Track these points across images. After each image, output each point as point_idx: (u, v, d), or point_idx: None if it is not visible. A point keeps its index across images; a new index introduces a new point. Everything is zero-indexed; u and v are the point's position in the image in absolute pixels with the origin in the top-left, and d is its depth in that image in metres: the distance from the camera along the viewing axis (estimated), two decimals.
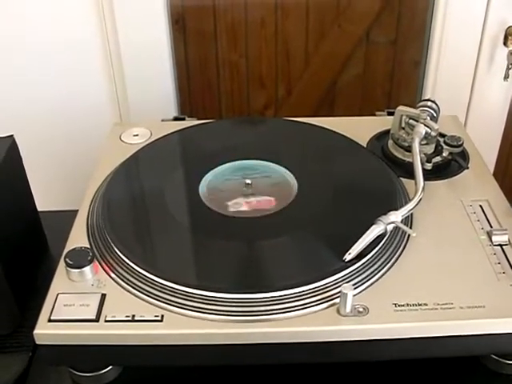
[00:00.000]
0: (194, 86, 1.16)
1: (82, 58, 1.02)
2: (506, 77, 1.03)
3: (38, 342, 0.56)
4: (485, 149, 0.79)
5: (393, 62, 1.15)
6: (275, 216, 0.66)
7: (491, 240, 0.63)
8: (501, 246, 0.63)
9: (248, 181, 0.71)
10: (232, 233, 0.64)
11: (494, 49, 1.02)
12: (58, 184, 1.12)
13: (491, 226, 0.65)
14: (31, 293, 0.70)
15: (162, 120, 0.88)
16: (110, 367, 0.60)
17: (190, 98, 1.17)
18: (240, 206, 0.68)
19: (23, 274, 0.71)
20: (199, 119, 0.87)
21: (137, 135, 0.82)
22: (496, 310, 0.55)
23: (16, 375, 0.63)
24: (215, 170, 0.73)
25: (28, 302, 0.69)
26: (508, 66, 1.02)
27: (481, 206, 0.68)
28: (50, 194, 0.91)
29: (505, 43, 1.01)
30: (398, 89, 1.18)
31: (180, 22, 1.09)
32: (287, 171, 0.73)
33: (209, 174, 0.73)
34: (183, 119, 0.87)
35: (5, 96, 1.06)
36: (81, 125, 1.07)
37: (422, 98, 1.08)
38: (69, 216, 0.70)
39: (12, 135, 0.72)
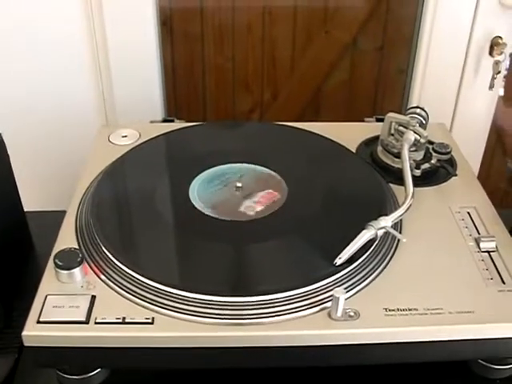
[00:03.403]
0: (180, 88, 1.16)
1: (69, 58, 1.01)
2: (491, 86, 1.04)
3: (26, 344, 0.55)
4: (468, 156, 0.80)
5: (379, 68, 1.16)
6: (266, 220, 0.66)
7: (479, 246, 0.64)
8: (488, 252, 0.64)
9: (239, 184, 0.70)
10: (223, 236, 0.64)
11: (479, 58, 1.03)
12: (43, 184, 1.11)
13: (479, 233, 0.66)
14: (16, 294, 0.69)
15: (151, 122, 0.87)
16: (98, 370, 0.60)
17: (175, 100, 1.16)
18: (253, 208, 0.68)
19: (8, 275, 0.70)
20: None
21: (125, 136, 0.82)
22: (484, 315, 0.56)
23: (1, 378, 0.62)
24: (205, 172, 0.73)
25: (13, 303, 0.68)
26: (493, 75, 1.03)
27: (468, 212, 0.69)
28: (35, 195, 0.90)
29: (490, 53, 1.02)
30: (383, 95, 1.19)
31: (167, 24, 1.09)
32: (277, 175, 0.73)
33: (198, 176, 0.72)
34: (172, 121, 0.87)
35: None
36: (68, 125, 1.06)
37: (408, 105, 1.09)
38: (55, 216, 0.69)
39: (0, 133, 0.71)
